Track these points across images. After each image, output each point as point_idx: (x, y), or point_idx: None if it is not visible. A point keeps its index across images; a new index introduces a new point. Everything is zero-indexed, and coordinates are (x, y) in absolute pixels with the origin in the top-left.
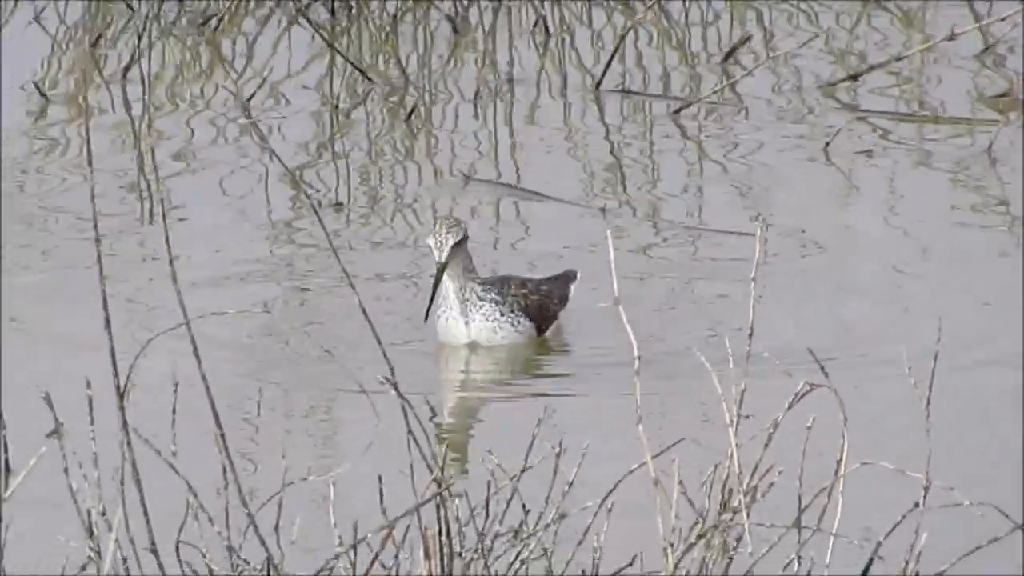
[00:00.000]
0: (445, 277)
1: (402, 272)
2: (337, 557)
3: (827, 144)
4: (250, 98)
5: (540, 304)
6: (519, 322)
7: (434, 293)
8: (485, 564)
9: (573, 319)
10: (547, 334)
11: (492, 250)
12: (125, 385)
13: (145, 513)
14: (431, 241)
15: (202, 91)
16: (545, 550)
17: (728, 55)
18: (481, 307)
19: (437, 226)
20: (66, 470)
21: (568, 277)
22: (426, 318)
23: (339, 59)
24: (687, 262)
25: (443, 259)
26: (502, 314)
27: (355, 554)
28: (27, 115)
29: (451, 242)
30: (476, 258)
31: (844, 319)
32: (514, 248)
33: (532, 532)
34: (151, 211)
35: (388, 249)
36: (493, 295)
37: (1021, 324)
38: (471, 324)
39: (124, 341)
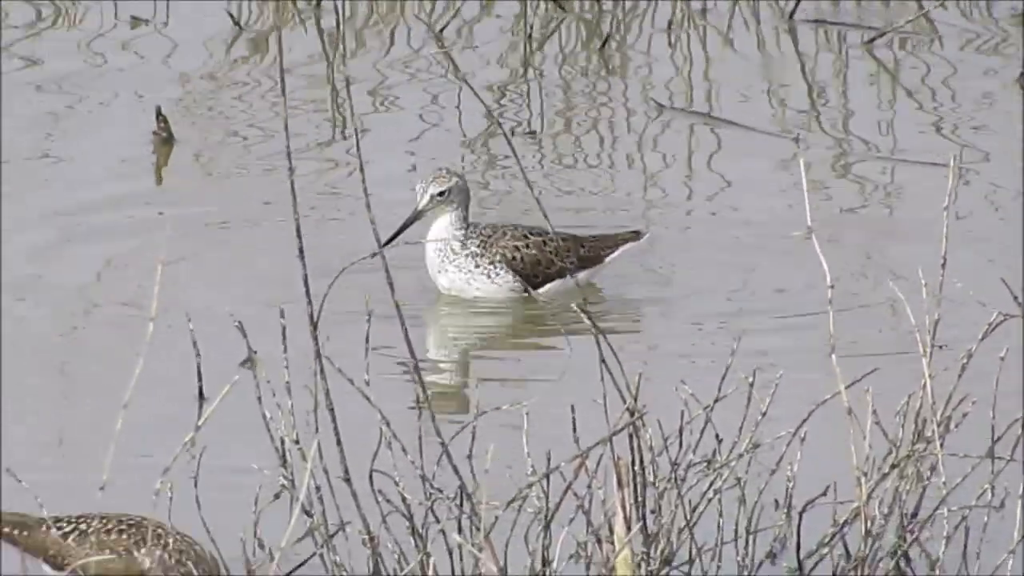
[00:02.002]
0: (428, 229)
1: (593, 199)
2: (530, 486)
3: (1021, 73)
4: (443, 28)
5: (536, 260)
6: (497, 274)
7: (399, 232)
8: (678, 494)
9: (770, 247)
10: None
11: (685, 178)
12: (318, 314)
13: (338, 442)
14: (416, 186)
15: (393, 31)
16: (738, 480)
17: None
18: (455, 259)
19: (429, 175)
20: (259, 399)
21: (617, 241)
22: (380, 248)
23: None
24: (880, 191)
25: (419, 207)
26: (477, 266)
27: (548, 483)
28: (221, 45)
29: (432, 191)
30: (664, 185)
31: None
32: (710, 170)
33: (725, 462)
34: (343, 133)
35: (581, 176)
36: (473, 248)
37: None
38: (444, 275)
39: (313, 270)
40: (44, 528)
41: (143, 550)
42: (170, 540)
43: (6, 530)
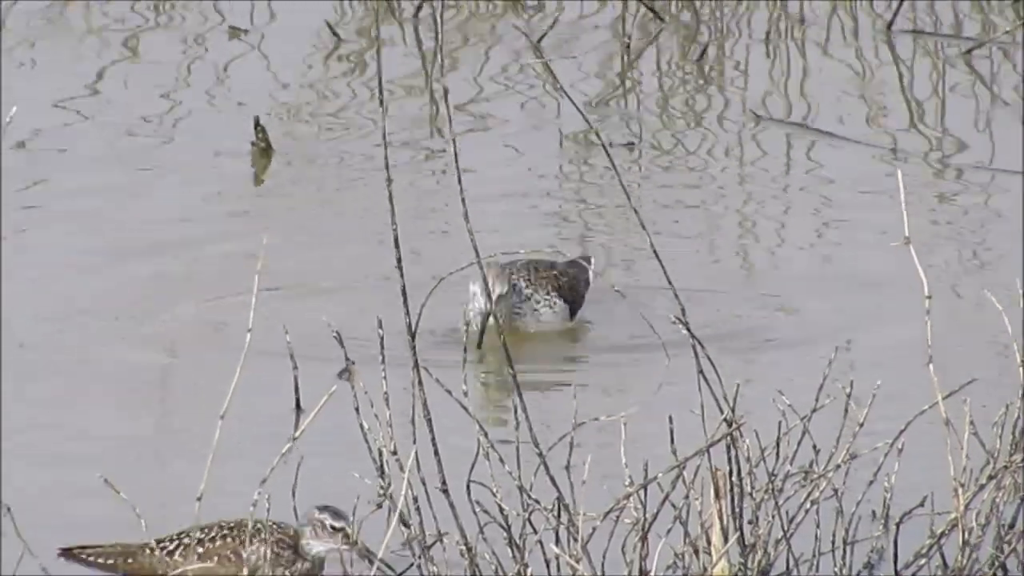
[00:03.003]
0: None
1: (691, 206)
2: (627, 497)
3: None
4: (541, 38)
5: (571, 286)
6: (555, 303)
7: (481, 337)
8: (776, 504)
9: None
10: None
11: (782, 191)
12: (416, 324)
13: (436, 453)
14: (476, 288)
15: (493, 27)
16: (835, 490)
17: None
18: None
19: (486, 275)
20: (357, 409)
21: (582, 264)
22: (477, 347)
23: None
24: (978, 200)
25: (489, 308)
26: (538, 301)
27: (645, 494)
28: (320, 54)
29: (499, 291)
30: (760, 195)
31: None
32: (803, 189)
33: (823, 473)
34: (440, 126)
35: (680, 186)
36: (524, 293)
37: None
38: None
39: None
40: (148, 551)
41: (249, 548)
42: (270, 536)
43: (110, 563)
